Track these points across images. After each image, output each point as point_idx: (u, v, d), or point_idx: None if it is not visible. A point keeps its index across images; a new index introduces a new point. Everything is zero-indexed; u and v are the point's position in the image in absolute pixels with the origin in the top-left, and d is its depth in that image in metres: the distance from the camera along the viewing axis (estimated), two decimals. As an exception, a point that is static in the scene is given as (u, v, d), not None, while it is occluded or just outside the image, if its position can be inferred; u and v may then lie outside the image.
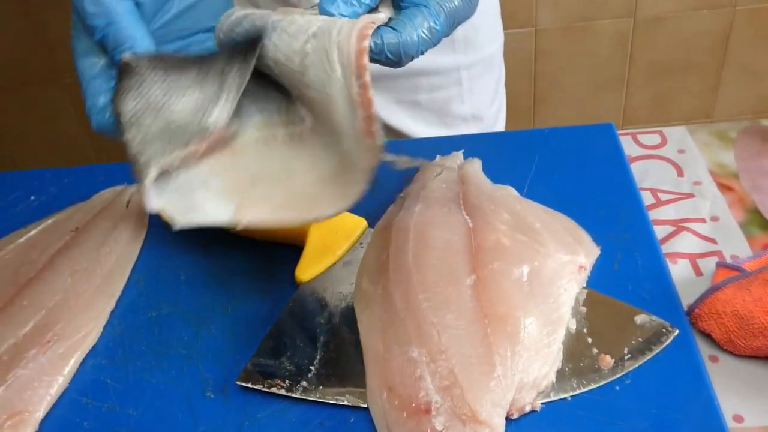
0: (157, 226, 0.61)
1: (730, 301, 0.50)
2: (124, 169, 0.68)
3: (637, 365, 0.46)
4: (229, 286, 0.55)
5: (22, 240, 0.59)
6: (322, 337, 0.50)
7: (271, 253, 0.57)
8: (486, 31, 0.85)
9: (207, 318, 0.53)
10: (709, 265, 0.57)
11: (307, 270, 0.54)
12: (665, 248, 0.57)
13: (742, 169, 0.67)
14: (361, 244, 0.56)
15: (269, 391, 0.47)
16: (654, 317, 0.49)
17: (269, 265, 0.56)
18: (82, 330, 0.51)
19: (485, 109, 0.88)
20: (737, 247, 0.59)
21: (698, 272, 0.56)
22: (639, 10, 1.52)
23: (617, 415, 0.44)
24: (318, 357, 0.48)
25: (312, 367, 0.48)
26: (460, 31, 0.79)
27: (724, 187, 0.65)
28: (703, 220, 0.61)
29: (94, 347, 0.51)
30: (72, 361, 0.50)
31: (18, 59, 1.52)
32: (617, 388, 0.45)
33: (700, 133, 0.71)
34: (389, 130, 0.85)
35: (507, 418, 0.43)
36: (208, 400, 0.47)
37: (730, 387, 0.48)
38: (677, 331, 0.48)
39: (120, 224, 0.60)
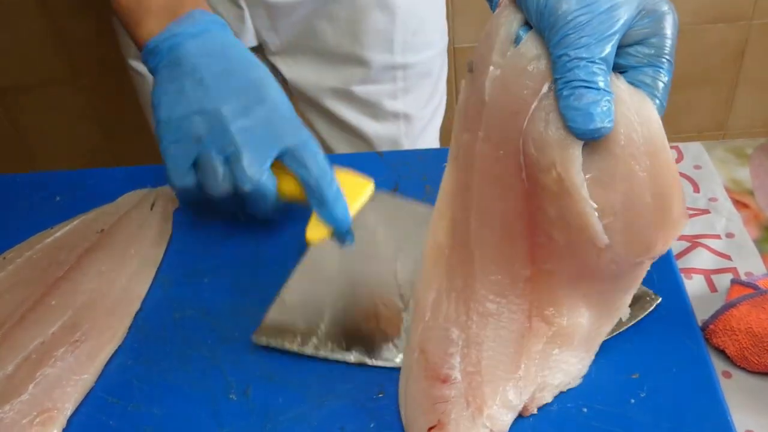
0: (180, 229, 0.62)
1: (744, 318, 0.51)
2: (148, 171, 0.69)
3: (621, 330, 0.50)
4: (252, 292, 0.56)
5: (49, 240, 0.60)
6: (330, 297, 0.53)
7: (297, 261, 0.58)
8: (427, 36, 0.84)
9: (230, 321, 0.54)
10: (723, 281, 0.57)
11: (315, 231, 0.54)
12: (680, 263, 0.58)
13: (757, 186, 0.67)
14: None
15: (283, 348, 0.50)
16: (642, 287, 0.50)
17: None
18: (108, 330, 0.53)
19: (419, 109, 0.87)
20: (752, 263, 0.59)
21: (713, 288, 0.57)
22: (655, 22, 1.52)
23: (631, 427, 0.45)
24: (327, 316, 0.52)
25: (322, 325, 0.51)
26: (400, 33, 0.79)
27: (739, 204, 0.65)
28: (718, 237, 0.62)
29: (120, 347, 0.53)
30: (99, 361, 0.51)
31: (36, 60, 1.53)
32: (632, 400, 0.46)
33: (716, 150, 0.71)
34: (323, 111, 0.85)
35: (521, 416, 0.46)
36: (231, 402, 0.48)
37: (743, 402, 0.49)
38: (660, 299, 0.51)
39: (145, 226, 0.62)
